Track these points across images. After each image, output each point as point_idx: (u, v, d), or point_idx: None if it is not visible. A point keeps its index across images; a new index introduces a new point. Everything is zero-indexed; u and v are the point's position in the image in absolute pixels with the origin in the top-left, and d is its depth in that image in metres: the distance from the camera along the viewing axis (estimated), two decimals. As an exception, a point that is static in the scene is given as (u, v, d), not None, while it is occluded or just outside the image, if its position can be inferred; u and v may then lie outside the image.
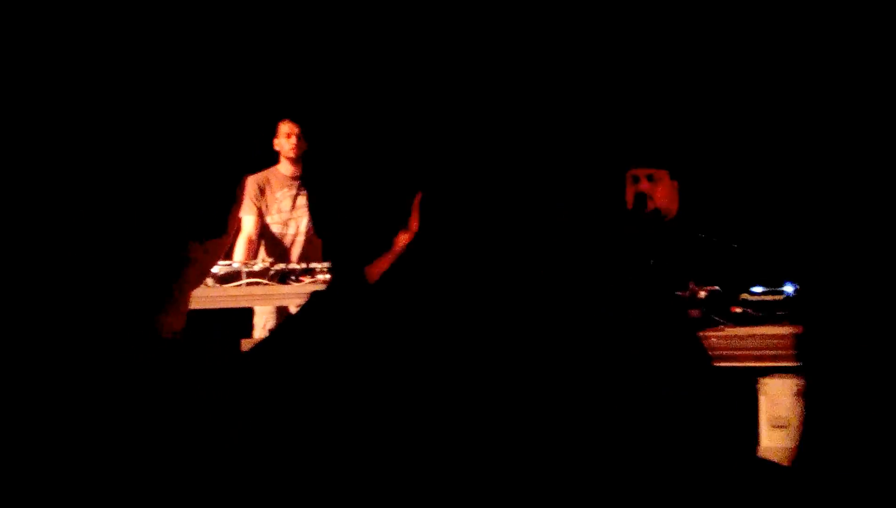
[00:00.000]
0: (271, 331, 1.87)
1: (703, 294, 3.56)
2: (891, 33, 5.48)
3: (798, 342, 3.48)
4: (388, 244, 1.72)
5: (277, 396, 1.60)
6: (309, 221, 5.84)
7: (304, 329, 1.64)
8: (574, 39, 6.08)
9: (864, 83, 5.61)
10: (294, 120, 5.79)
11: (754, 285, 3.70)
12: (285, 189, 5.84)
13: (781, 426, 6.19)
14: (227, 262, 5.04)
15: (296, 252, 5.75)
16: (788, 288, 3.72)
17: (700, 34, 5.91)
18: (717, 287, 3.62)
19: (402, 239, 1.74)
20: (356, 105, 6.48)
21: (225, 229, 1.48)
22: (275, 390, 1.60)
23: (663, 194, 4.05)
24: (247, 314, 5.56)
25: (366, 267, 1.72)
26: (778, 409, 6.21)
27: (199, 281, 1.51)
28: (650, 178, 4.06)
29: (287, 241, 5.82)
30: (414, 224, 1.77)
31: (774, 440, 6.10)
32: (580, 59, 6.06)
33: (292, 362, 1.60)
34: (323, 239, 1.85)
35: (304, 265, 4.98)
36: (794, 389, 6.07)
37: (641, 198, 4.01)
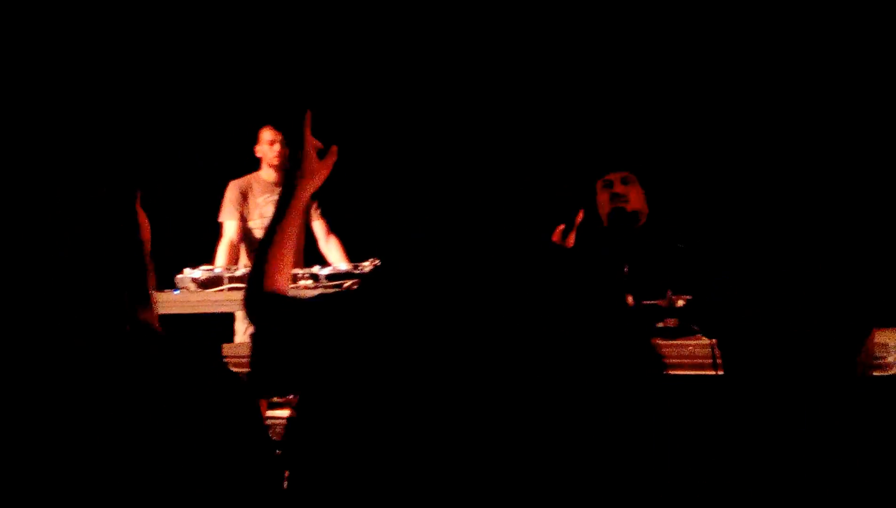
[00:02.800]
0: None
1: (680, 303, 3.59)
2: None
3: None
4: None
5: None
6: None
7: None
8: (533, 51, 6.11)
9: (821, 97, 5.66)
10: (276, 127, 5.79)
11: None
12: (267, 194, 5.84)
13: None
14: (209, 267, 5.05)
15: (278, 258, 5.75)
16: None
17: (659, 42, 5.95)
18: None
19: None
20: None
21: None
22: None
23: (637, 196, 4.04)
24: (228, 320, 5.57)
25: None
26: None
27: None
28: (624, 181, 4.04)
29: (269, 246, 5.82)
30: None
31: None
32: (540, 69, 6.09)
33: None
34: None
35: (285, 271, 4.97)
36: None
37: (618, 202, 4.00)
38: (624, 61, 6.03)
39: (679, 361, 3.41)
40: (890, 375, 3.30)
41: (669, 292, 3.58)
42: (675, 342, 3.46)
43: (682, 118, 5.91)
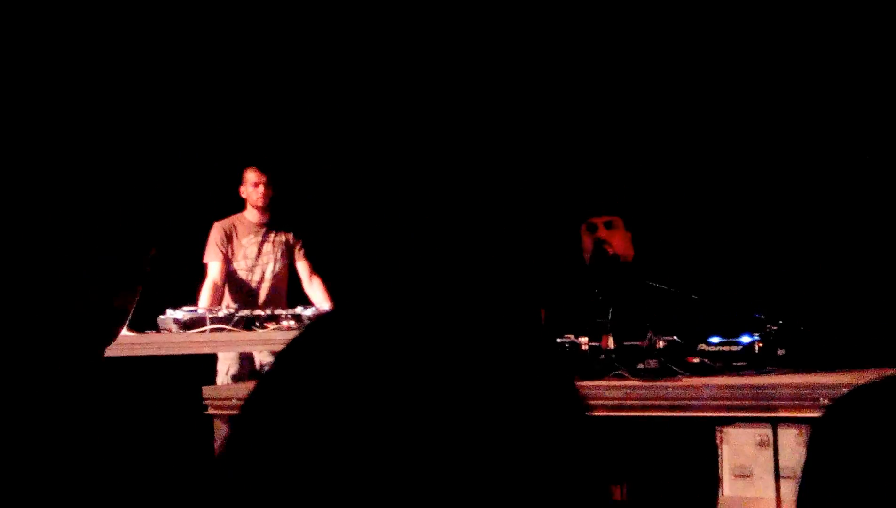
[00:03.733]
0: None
1: (661, 344, 3.62)
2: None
3: (756, 392, 3.53)
4: None
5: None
6: (274, 267, 5.86)
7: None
8: (520, 95, 6.17)
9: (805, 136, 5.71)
10: (260, 169, 5.82)
11: (711, 336, 3.76)
12: (251, 236, 5.86)
13: (744, 476, 6.21)
14: (192, 308, 5.05)
15: (261, 299, 5.76)
16: (745, 338, 3.78)
17: (645, 87, 6.02)
18: (675, 337, 3.68)
19: None
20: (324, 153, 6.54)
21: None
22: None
23: (620, 240, 4.12)
24: (210, 361, 5.56)
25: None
26: (740, 458, 6.25)
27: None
28: (608, 225, 4.12)
29: (253, 287, 5.84)
30: None
31: (737, 490, 6.12)
32: (529, 113, 6.15)
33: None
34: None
35: (269, 312, 4.99)
36: (757, 438, 6.10)
37: (600, 245, 4.06)
38: (608, 105, 6.09)
39: (658, 402, 3.43)
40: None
41: (650, 333, 3.61)
42: (655, 383, 3.48)
43: (668, 162, 5.96)
